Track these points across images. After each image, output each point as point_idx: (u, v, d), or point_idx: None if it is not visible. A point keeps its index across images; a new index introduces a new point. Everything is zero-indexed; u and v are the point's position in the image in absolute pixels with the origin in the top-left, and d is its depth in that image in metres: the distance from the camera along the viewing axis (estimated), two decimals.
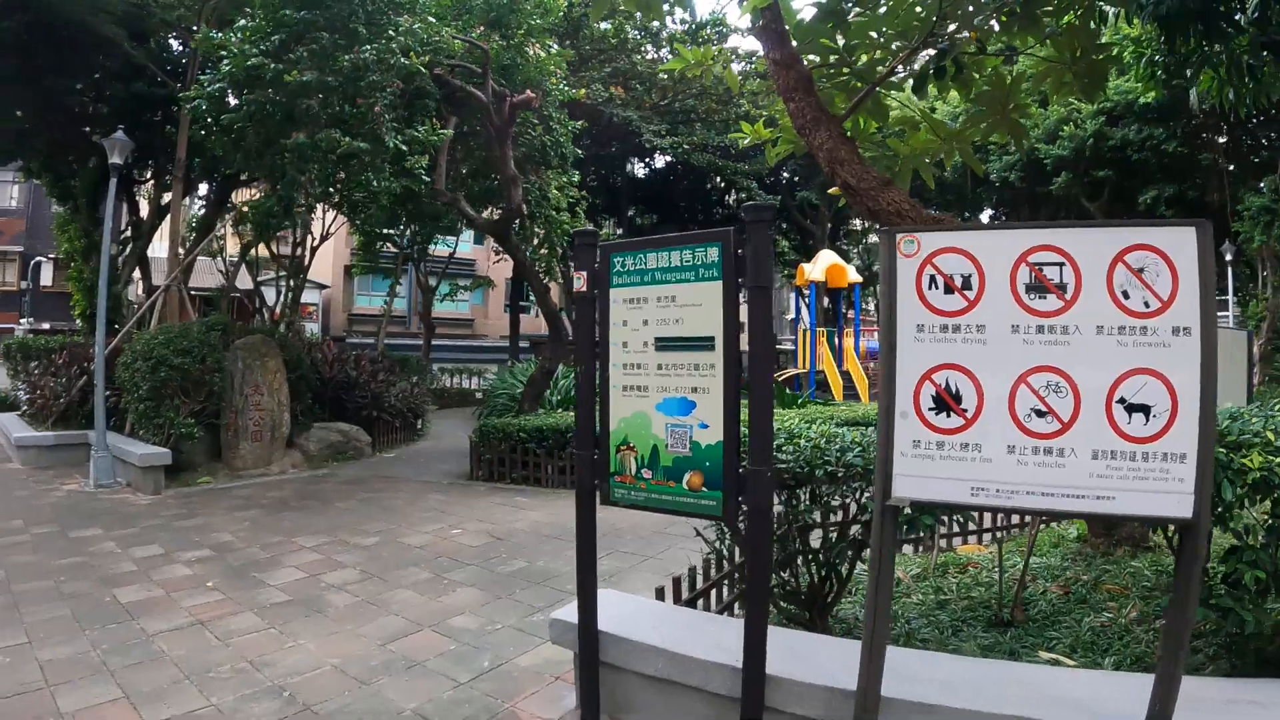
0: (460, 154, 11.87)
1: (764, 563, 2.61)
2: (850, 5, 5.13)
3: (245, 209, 11.65)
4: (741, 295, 2.61)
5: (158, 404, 9.65)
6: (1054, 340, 2.28)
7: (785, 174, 27.30)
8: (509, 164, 10.26)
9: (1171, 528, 3.29)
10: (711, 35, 19.42)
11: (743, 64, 20.21)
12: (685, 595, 3.80)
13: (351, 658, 4.06)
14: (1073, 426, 2.27)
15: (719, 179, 25.24)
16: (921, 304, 2.32)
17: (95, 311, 9.94)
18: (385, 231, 16.20)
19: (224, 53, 8.23)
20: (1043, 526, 5.05)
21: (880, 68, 5.36)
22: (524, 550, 6.42)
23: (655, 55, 20.87)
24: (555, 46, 12.67)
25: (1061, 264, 2.28)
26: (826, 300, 24.57)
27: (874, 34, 5.16)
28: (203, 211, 16.87)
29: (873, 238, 35.23)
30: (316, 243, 16.80)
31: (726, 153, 22.06)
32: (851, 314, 22.12)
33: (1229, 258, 16.11)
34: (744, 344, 2.57)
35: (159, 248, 16.01)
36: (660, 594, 3.64)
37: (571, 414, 11.19)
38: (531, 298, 28.24)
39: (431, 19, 8.99)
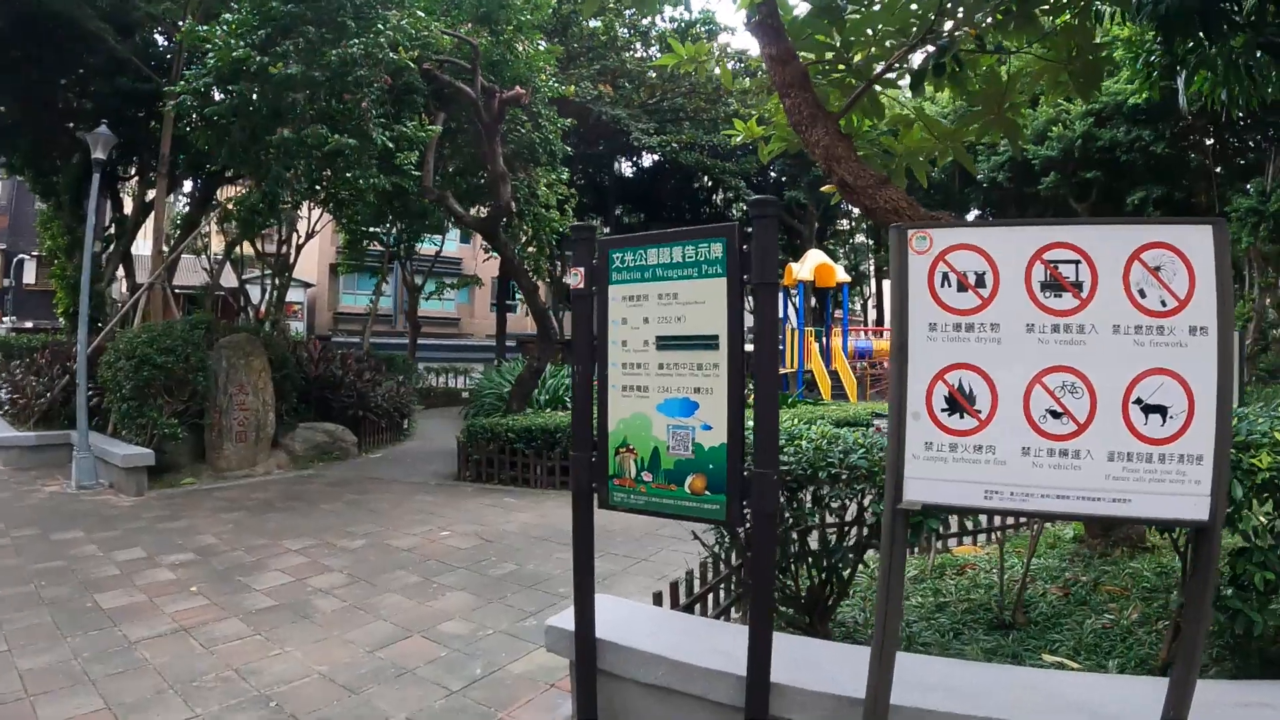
0: (448, 151, 11.74)
1: (769, 568, 2.54)
2: (845, 2, 5.08)
3: (230, 206, 11.47)
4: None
5: (141, 404, 9.49)
6: (1070, 340, 2.22)
7: (773, 173, 27.32)
8: (498, 161, 10.15)
9: (1179, 530, 3.27)
10: (701, 33, 19.35)
11: (732, 62, 20.15)
12: (683, 600, 3.72)
13: (340, 665, 3.95)
14: (1089, 428, 2.21)
15: (706, 178, 25.23)
16: (934, 302, 2.25)
17: (78, 310, 9.76)
18: (371, 230, 16.01)
19: (209, 46, 8.06)
20: (1047, 527, 5.02)
21: (877, 65, 5.32)
22: (514, 553, 6.33)
23: (644, 53, 20.79)
24: (543, 44, 12.57)
25: (1077, 261, 2.22)
26: (814, 300, 24.61)
27: (870, 30, 5.12)
28: (187, 209, 16.65)
29: (859, 237, 35.39)
30: (302, 241, 16.62)
31: (714, 152, 22.03)
32: (839, 313, 22.13)
33: None
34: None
35: (143, 245, 15.78)
36: (658, 599, 3.56)
37: (561, 414, 11.11)
38: (518, 296, 28.23)
39: (420, 13, 8.86)
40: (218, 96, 8.51)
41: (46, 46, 11.37)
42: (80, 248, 10.77)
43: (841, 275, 20.93)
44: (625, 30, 19.54)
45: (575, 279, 2.85)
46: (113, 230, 15.08)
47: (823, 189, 6.76)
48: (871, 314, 37.15)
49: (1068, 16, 5.13)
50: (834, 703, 2.54)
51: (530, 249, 12.62)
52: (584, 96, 17.10)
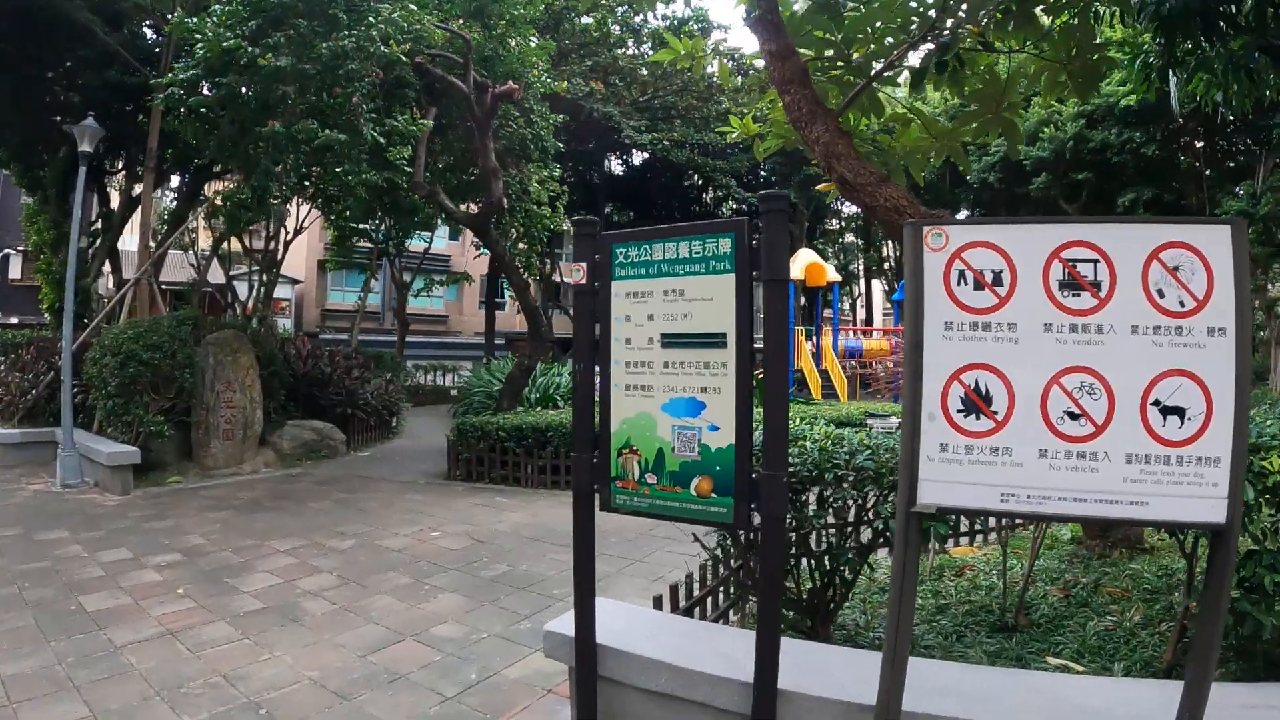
0: (438, 147, 11.62)
1: (777, 573, 2.47)
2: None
3: (218, 200, 11.31)
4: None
5: (126, 401, 9.34)
6: (1088, 340, 2.17)
7: (763, 172, 27.32)
8: (490, 156, 10.05)
9: (1186, 532, 3.25)
10: (694, 31, 19.30)
11: (726, 60, 20.10)
12: (683, 603, 3.66)
13: (331, 670, 3.86)
14: (1106, 429, 2.17)
15: (696, 176, 25.18)
16: (950, 300, 2.20)
17: (64, 305, 9.60)
18: (360, 226, 15.85)
19: (198, 37, 7.92)
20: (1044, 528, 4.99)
21: (877, 62, 5.28)
22: (506, 553, 6.25)
23: (636, 51, 20.70)
24: (535, 40, 12.47)
25: (1095, 261, 2.18)
26: (804, 299, 24.61)
27: (872, 27, 5.07)
28: (174, 204, 16.43)
29: (849, 237, 35.49)
30: (290, 237, 16.41)
31: (705, 150, 21.99)
32: (829, 313, 22.14)
33: None
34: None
35: (129, 241, 15.58)
36: (658, 603, 3.50)
37: (552, 412, 11.02)
38: (508, 294, 28.09)
39: (413, 6, 8.74)
40: (206, 90, 8.37)
41: (34, 39, 11.19)
42: (66, 242, 10.60)
43: (832, 274, 20.94)
44: (617, 28, 19.46)
45: (577, 274, 2.78)
46: (99, 225, 14.88)
47: (818, 187, 6.72)
48: (861, 313, 37.24)
49: (1067, 17, 5.11)
50: (843, 709, 2.49)
51: (521, 246, 12.52)
52: (575, 93, 17.01)
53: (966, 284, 2.20)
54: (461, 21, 9.92)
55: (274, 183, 8.96)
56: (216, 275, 17.50)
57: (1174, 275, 2.17)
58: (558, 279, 27.57)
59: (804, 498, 3.24)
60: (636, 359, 2.65)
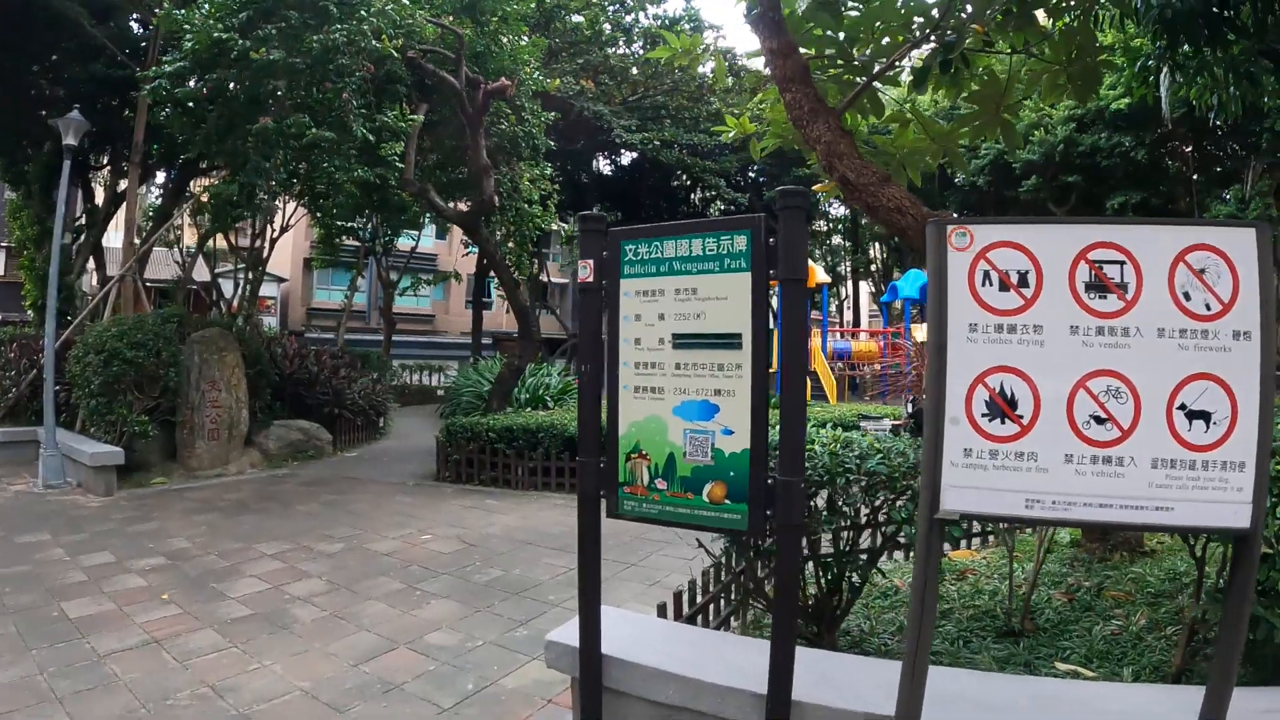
0: (427, 144, 11.48)
1: (793, 582, 2.40)
2: None
3: (205, 196, 11.13)
4: None
5: (110, 400, 9.18)
6: (1114, 343, 2.12)
7: (751, 174, 27.33)
8: (481, 154, 9.93)
9: (1199, 536, 3.21)
10: (685, 30, 19.24)
11: (709, 63, 20.03)
12: (686, 610, 3.58)
13: (322, 681, 3.74)
14: (1133, 434, 2.12)
15: (685, 176, 25.12)
16: (975, 301, 2.13)
17: (47, 302, 9.40)
18: (348, 225, 15.67)
19: (187, 28, 7.75)
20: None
21: (879, 62, 5.23)
22: (499, 558, 6.15)
23: (627, 50, 20.61)
24: (526, 38, 12.36)
25: (1122, 262, 2.13)
26: None
27: (871, 27, 5.02)
28: (160, 200, 16.19)
29: (836, 239, 35.51)
30: (276, 234, 16.21)
31: (694, 150, 21.93)
32: (818, 314, 22.15)
33: None
34: None
35: (114, 237, 15.36)
36: (662, 610, 3.42)
37: (542, 413, 10.92)
38: (497, 293, 27.89)
39: (405, 0, 8.60)
40: (194, 83, 8.20)
41: (19, 30, 11.00)
42: (50, 238, 10.40)
43: (821, 276, 20.94)
44: (608, 26, 19.36)
45: (584, 271, 2.69)
46: (83, 221, 14.70)
47: (815, 188, 6.67)
48: (848, 315, 37.34)
49: (1068, 19, 5.08)
50: None
51: (511, 245, 12.41)
52: (566, 91, 16.90)
53: (991, 285, 2.14)
54: (452, 18, 9.79)
55: (264, 179, 8.80)
56: (202, 273, 17.28)
57: (1200, 278, 2.13)
58: (545, 279, 27.44)
59: (813, 502, 3.17)
60: (646, 360, 2.57)
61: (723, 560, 3.90)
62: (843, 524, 3.21)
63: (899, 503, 2.96)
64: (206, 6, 7.87)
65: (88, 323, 11.09)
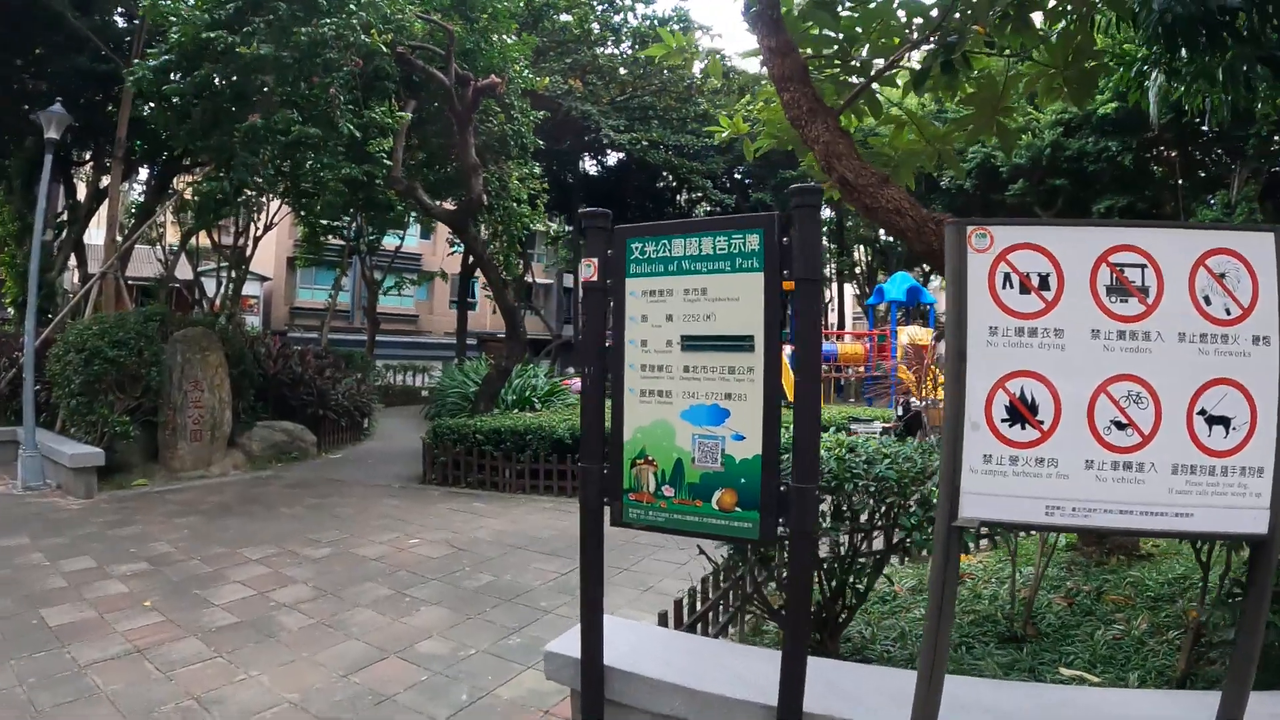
0: (416, 142, 11.35)
1: (806, 592, 2.34)
2: None
3: (191, 193, 10.94)
4: None
5: (91, 400, 8.99)
6: (1135, 347, 2.09)
7: (738, 175, 27.35)
8: (470, 152, 9.81)
9: (1208, 543, 3.18)
10: (675, 30, 19.19)
11: (705, 60, 20.01)
12: (687, 619, 3.51)
13: (311, 691, 3.62)
14: (1153, 440, 2.10)
15: (671, 178, 25.09)
16: (995, 304, 2.09)
17: (27, 299, 9.21)
18: (332, 224, 15.48)
19: (174, 20, 7.57)
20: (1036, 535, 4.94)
21: (877, 62, 5.20)
22: (489, 563, 6.04)
23: (614, 50, 20.54)
24: (514, 37, 12.26)
25: (1144, 266, 2.10)
26: None
27: (866, 26, 4.99)
28: (142, 197, 15.95)
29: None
30: (260, 232, 15.96)
31: (681, 151, 21.91)
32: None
33: None
34: None
35: (96, 234, 15.12)
36: (663, 619, 3.35)
37: (529, 415, 10.81)
38: (484, 293, 27.70)
39: None
40: (179, 77, 8.03)
41: (1, 23, 10.74)
42: (31, 234, 10.21)
43: None
44: (597, 26, 19.28)
45: (588, 270, 2.61)
46: (65, 217, 14.50)
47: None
48: (833, 318, 37.46)
49: (1063, 23, 5.07)
50: None
51: (499, 243, 12.29)
52: (554, 91, 16.80)
53: (1012, 287, 2.09)
54: (441, 15, 9.67)
55: (252, 175, 8.63)
56: (184, 271, 17.00)
57: (1220, 282, 2.12)
58: (530, 279, 27.31)
59: (820, 508, 3.11)
60: (653, 362, 2.50)
61: (721, 566, 3.83)
62: (849, 530, 3.15)
63: (912, 509, 2.90)
64: None
65: (69, 321, 10.91)
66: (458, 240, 18.91)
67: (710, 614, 3.81)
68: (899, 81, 5.77)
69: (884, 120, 5.86)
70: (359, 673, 3.86)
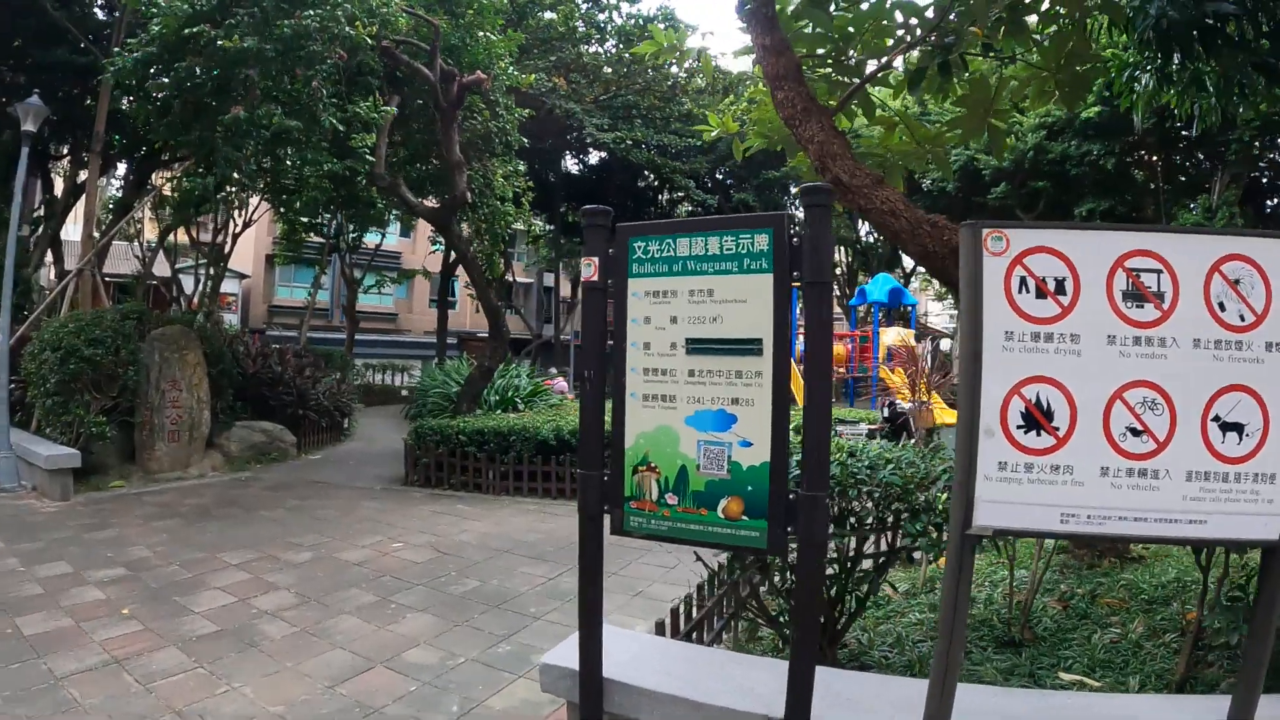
0: (399, 138, 11.19)
1: (815, 602, 2.29)
2: None
3: (172, 188, 10.70)
4: None
5: (66, 399, 8.78)
6: (1151, 353, 2.07)
7: (719, 175, 27.31)
8: (455, 149, 9.67)
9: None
10: (661, 29, 19.13)
11: (691, 60, 19.96)
12: (683, 626, 3.45)
13: (297, 704, 3.51)
14: (1168, 447, 2.08)
15: (654, 177, 25.01)
16: (1011, 309, 2.05)
17: (2, 296, 8.95)
18: (313, 221, 15.24)
19: (154, 10, 7.36)
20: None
21: (871, 62, 5.17)
22: (475, 567, 5.94)
23: (599, 49, 20.43)
24: (498, 34, 12.13)
25: (1159, 271, 2.08)
26: None
27: (858, 27, 4.96)
28: (120, 193, 15.64)
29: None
30: (239, 229, 15.67)
31: (664, 150, 21.85)
32: None
33: None
34: None
35: (73, 230, 14.80)
36: (660, 628, 3.28)
37: (513, 416, 10.69)
38: (464, 292, 27.46)
39: None
40: (158, 70, 7.82)
41: None
42: (6, 229, 9.94)
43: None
44: (581, 24, 19.17)
45: (588, 270, 2.54)
46: (42, 212, 14.20)
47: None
48: None
49: (1055, 27, 5.07)
50: None
51: (483, 241, 12.16)
52: (538, 88, 16.67)
53: (1028, 292, 2.05)
54: (424, 10, 9.53)
55: (234, 170, 8.42)
56: (162, 268, 16.67)
57: (1234, 288, 2.11)
58: (510, 278, 27.14)
59: None
60: (656, 366, 2.43)
61: (716, 571, 3.77)
62: (850, 536, 3.11)
63: (920, 515, 2.86)
64: None
65: (44, 318, 10.64)
66: (439, 239, 18.73)
67: (705, 621, 3.75)
68: (892, 81, 5.76)
69: (874, 121, 5.84)
70: (345, 684, 3.75)
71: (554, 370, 24.44)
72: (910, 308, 22.39)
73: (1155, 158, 14.90)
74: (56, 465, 8.04)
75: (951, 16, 4.56)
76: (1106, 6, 4.51)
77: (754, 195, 24.60)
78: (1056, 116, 14.11)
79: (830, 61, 5.34)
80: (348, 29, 7.54)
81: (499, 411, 11.67)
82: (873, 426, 11.33)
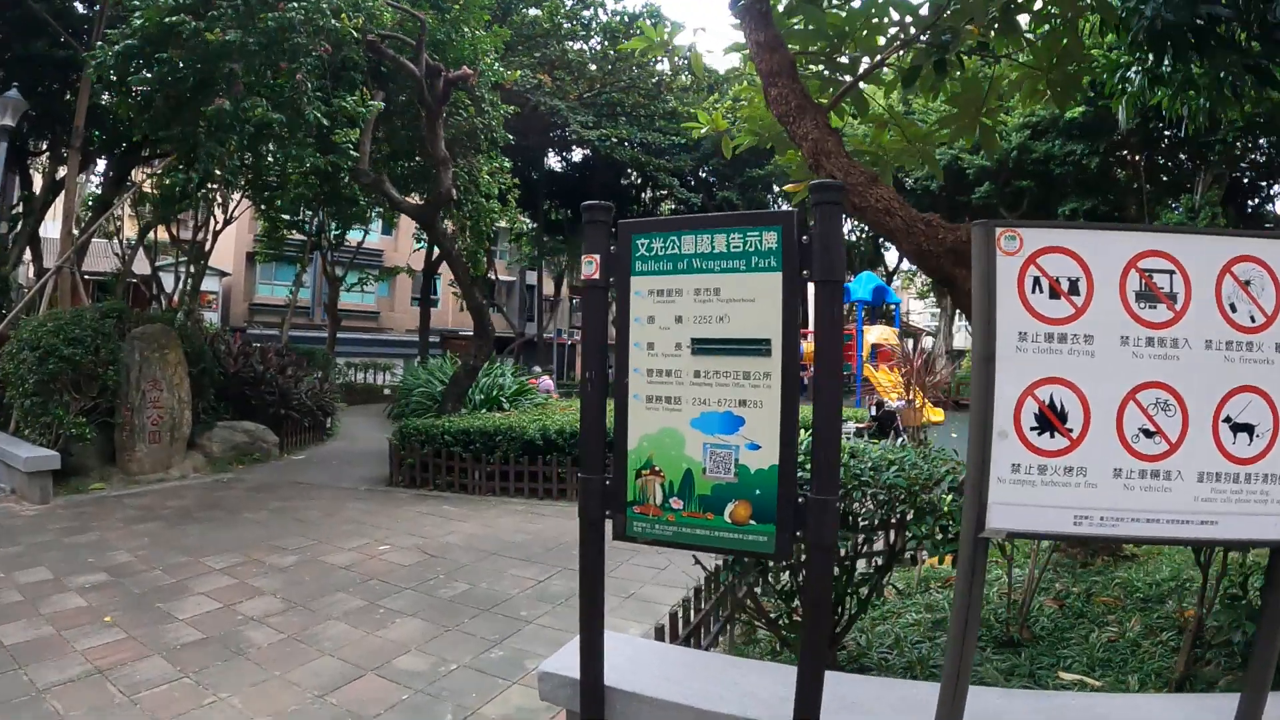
0: (383, 134, 11.04)
1: (825, 608, 2.25)
2: None
3: (154, 184, 10.48)
4: None
5: (45, 400, 8.59)
6: (1164, 354, 2.05)
7: (703, 173, 27.32)
8: (440, 145, 9.56)
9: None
10: (645, 26, 19.06)
11: (677, 58, 19.92)
12: (682, 631, 3.40)
13: (287, 715, 3.42)
14: (1180, 447, 2.06)
15: (637, 175, 24.97)
16: (1024, 309, 2.02)
17: None
18: (295, 218, 15.04)
19: (136, 3, 7.19)
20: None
21: (864, 60, 5.15)
22: (463, 570, 5.86)
23: (584, 46, 20.33)
24: (484, 30, 12.01)
25: (1171, 272, 2.06)
26: None
27: (852, 26, 4.93)
28: (100, 190, 15.36)
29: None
30: (220, 226, 15.42)
31: (648, 148, 21.80)
32: None
33: None
34: None
35: (51, 227, 14.52)
36: (660, 633, 3.23)
37: (499, 415, 10.60)
38: (450, 290, 27.25)
39: None
40: (140, 63, 7.64)
41: None
42: None
43: None
44: (566, 22, 19.06)
45: (589, 268, 2.48)
46: (20, 209, 13.91)
47: (787, 187, 6.58)
48: None
49: (1051, 25, 5.08)
50: None
51: (467, 239, 12.04)
52: (523, 85, 16.55)
53: (1042, 292, 2.03)
54: (410, 4, 9.41)
55: (217, 165, 8.26)
56: (142, 265, 16.37)
57: (1245, 289, 2.10)
58: (493, 276, 26.99)
59: None
60: (661, 366, 2.38)
61: (712, 572, 3.74)
62: (853, 538, 3.08)
63: (925, 517, 2.83)
64: None
65: (22, 317, 10.42)
66: (422, 236, 18.56)
67: (702, 625, 3.70)
68: (884, 79, 5.75)
69: (866, 119, 5.82)
70: (335, 692, 3.67)
71: (539, 369, 24.33)
72: (894, 306, 22.51)
73: (1138, 158, 15.06)
74: (36, 467, 7.86)
75: (947, 14, 4.55)
76: (1100, 6, 4.51)
77: (738, 193, 24.64)
78: (1041, 116, 14.23)
79: (823, 59, 5.31)
80: (333, 21, 7.41)
81: (484, 411, 11.58)
82: (860, 425, 11.35)
